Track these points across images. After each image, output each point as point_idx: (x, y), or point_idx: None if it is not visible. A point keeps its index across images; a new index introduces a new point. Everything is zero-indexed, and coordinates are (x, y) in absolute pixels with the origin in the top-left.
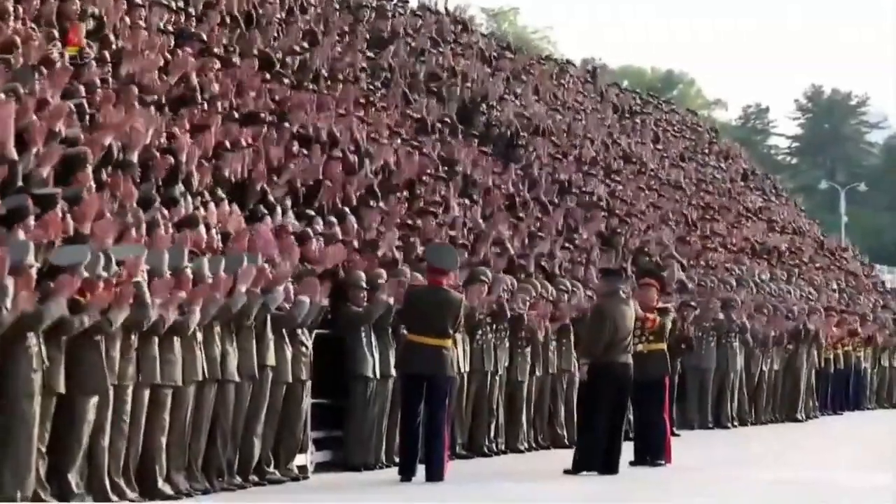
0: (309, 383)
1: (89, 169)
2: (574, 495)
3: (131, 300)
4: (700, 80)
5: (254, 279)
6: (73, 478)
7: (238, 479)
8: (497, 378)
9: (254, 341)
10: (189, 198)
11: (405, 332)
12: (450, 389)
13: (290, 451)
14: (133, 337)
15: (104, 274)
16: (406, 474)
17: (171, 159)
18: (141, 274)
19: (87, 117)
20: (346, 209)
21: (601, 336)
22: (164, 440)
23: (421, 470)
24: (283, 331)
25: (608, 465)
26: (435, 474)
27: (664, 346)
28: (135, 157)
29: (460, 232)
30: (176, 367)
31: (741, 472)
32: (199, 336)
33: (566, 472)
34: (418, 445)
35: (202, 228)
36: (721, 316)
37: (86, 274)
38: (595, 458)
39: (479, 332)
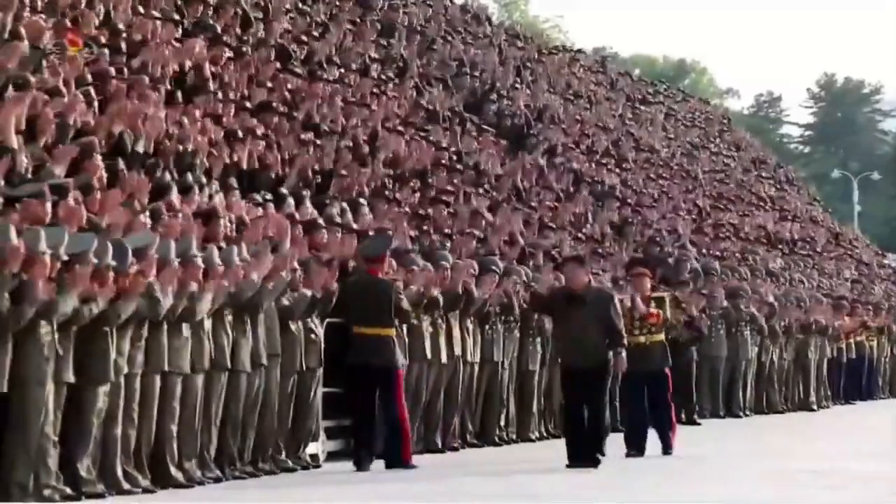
0: (320, 371)
1: (98, 158)
2: (586, 485)
3: (141, 293)
4: (712, 69)
5: (269, 270)
6: (84, 466)
7: (250, 468)
8: (507, 368)
9: (264, 330)
10: (203, 187)
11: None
12: (396, 378)
13: (302, 439)
14: (144, 327)
15: (113, 263)
16: (360, 466)
17: (181, 148)
18: (153, 269)
19: (97, 104)
20: (361, 199)
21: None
22: (174, 428)
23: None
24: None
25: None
26: (395, 462)
27: (663, 336)
28: (150, 147)
29: (471, 222)
30: (184, 354)
31: (753, 461)
32: (208, 325)
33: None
34: (373, 437)
35: (222, 221)
36: (727, 304)
37: (95, 261)
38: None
39: (490, 322)
